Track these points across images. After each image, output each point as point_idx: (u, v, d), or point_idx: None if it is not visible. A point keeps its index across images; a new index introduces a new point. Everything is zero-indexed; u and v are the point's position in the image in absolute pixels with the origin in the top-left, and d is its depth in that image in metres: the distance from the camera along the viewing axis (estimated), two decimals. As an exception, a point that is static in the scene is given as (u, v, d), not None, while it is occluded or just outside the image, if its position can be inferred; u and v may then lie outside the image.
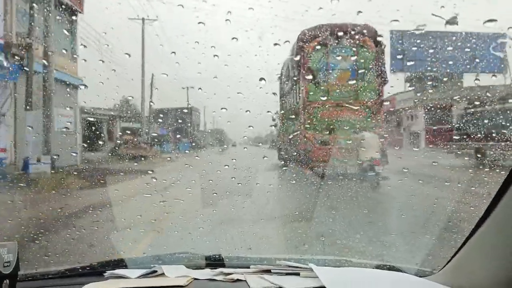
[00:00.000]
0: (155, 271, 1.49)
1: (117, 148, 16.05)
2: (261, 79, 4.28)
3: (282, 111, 15.52)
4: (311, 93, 11.30)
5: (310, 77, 11.29)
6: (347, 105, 11.09)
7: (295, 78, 12.62)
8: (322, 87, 11.22)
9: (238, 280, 1.43)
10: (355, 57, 11.15)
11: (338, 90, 11.12)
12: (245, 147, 10.04)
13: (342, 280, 1.38)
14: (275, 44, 4.21)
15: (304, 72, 11.48)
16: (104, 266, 1.60)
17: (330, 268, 1.52)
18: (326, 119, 11.06)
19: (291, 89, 13.59)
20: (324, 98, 11.20)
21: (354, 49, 11.16)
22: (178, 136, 21.47)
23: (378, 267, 1.60)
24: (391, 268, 1.57)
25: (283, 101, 15.11)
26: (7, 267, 1.11)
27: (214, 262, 1.64)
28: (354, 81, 11.18)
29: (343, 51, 11.24)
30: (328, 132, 11.04)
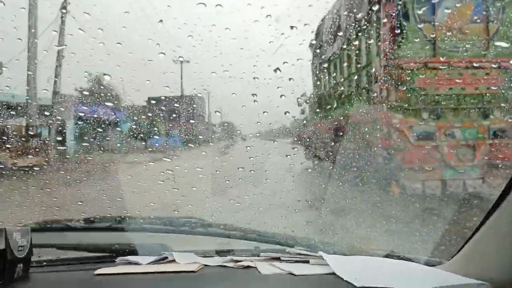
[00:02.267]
0: (166, 257, 1.49)
1: None
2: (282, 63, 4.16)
3: (325, 87, 10.41)
4: (400, 45, 6.21)
5: (397, 16, 6.22)
6: (469, 66, 6.09)
7: (355, 27, 7.48)
8: (421, 35, 6.15)
9: (248, 266, 1.41)
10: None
11: (452, 40, 6.08)
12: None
13: (352, 268, 1.34)
14: (292, 27, 4.18)
15: (383, 9, 6.38)
16: (115, 252, 1.58)
17: (340, 256, 1.47)
18: (432, 92, 6.05)
19: (343, 48, 8.48)
20: (427, 54, 6.15)
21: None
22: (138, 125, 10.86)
23: (387, 256, 1.55)
24: (401, 258, 1.52)
25: (324, 73, 9.98)
26: (21, 251, 1.13)
27: (224, 250, 1.64)
28: (482, 24, 6.12)
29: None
30: (436, 117, 6.03)
